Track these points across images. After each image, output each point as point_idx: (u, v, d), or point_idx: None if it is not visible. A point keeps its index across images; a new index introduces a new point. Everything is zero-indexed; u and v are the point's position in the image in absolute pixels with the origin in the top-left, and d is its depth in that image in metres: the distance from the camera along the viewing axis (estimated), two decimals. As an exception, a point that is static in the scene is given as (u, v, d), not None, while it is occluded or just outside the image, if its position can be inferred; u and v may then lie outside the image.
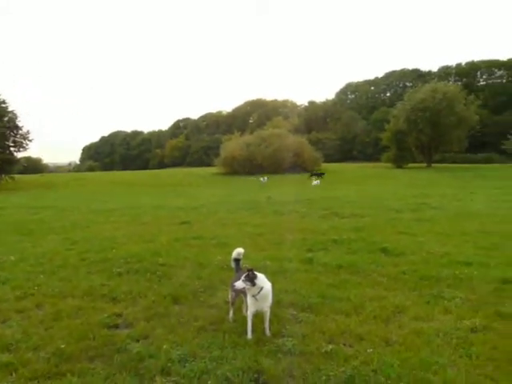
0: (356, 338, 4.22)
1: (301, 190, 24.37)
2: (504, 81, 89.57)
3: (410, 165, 54.51)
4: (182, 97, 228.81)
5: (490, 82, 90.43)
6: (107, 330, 4.54)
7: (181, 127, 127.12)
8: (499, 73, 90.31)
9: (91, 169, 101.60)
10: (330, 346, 3.99)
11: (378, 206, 15.12)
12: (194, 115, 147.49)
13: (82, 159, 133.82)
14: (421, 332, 4.31)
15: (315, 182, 31.20)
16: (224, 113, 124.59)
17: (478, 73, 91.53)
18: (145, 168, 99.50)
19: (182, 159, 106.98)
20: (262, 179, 32.38)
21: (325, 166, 49.69)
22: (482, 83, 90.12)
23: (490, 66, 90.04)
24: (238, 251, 4.87)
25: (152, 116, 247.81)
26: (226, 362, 3.74)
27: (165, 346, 4.03)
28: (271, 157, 41.43)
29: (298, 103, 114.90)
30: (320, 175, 36.74)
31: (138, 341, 4.25)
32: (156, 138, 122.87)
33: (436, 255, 7.45)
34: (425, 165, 55.33)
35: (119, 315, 4.95)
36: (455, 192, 21.50)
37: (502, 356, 3.77)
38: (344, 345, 4.09)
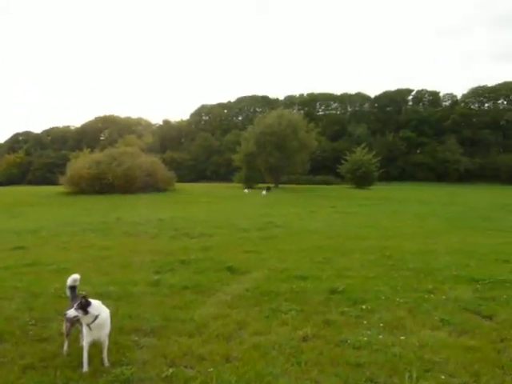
0: (198, 359, 4.24)
1: (153, 210, 23.84)
2: (338, 112, 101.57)
3: (260, 185, 57.72)
4: (21, 108, 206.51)
5: (327, 112, 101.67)
6: None
7: (20, 141, 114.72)
8: (334, 105, 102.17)
9: None
10: (171, 370, 3.93)
11: (228, 226, 15.61)
12: (37, 129, 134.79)
13: None
14: (259, 346, 4.53)
15: (264, 192, 41.24)
16: (72, 128, 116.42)
17: (317, 103, 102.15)
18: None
19: (22, 177, 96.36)
20: (246, 190, 40.11)
21: (178, 185, 49.58)
22: (320, 113, 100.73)
23: (327, 98, 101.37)
24: (74, 277, 4.53)
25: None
26: (55, 402, 3.42)
27: (-21, 393, 3.52)
28: (123, 176, 39.73)
29: (153, 122, 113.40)
30: (269, 189, 46.42)
31: None
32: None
33: (276, 271, 7.96)
34: (273, 185, 59.17)
35: None
36: (298, 211, 23.36)
37: (326, 360, 4.17)
38: (185, 367, 4.07)
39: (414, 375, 3.81)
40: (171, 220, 17.72)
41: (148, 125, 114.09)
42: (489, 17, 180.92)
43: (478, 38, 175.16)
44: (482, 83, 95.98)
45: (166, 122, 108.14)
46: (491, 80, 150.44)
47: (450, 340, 4.70)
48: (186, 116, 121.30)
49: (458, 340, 4.71)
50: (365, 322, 5.22)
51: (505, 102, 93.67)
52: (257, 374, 3.87)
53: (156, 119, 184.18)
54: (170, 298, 6.23)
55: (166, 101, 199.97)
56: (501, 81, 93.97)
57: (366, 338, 4.67)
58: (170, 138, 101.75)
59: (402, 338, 4.73)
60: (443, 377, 3.82)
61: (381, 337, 4.75)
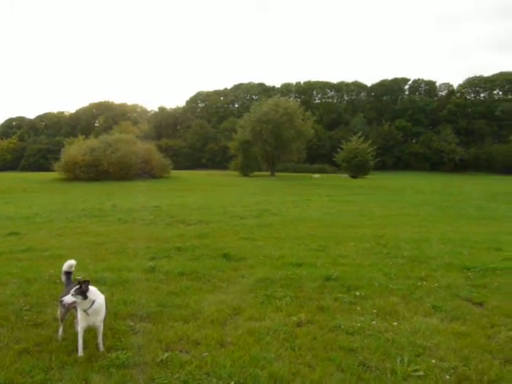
0: (193, 344, 4.29)
1: (149, 197, 23.84)
2: (335, 101, 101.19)
3: (256, 173, 57.79)
4: (16, 93, 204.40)
5: (324, 100, 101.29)
6: None
7: (14, 127, 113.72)
8: (331, 93, 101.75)
9: None
10: (166, 354, 3.98)
11: (224, 213, 15.66)
12: (31, 114, 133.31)
13: None
14: (254, 331, 4.58)
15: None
16: (67, 114, 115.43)
17: (314, 92, 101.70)
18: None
19: (15, 163, 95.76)
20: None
21: (174, 173, 49.54)
22: (317, 101, 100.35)
23: (324, 86, 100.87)
24: (70, 263, 4.55)
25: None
26: (50, 385, 3.46)
27: (-24, 377, 3.55)
28: (118, 163, 39.61)
29: (148, 109, 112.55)
30: None
31: None
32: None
33: (272, 258, 8.02)
34: (269, 173, 59.21)
35: None
36: (294, 199, 23.43)
37: (320, 345, 4.24)
38: (180, 351, 4.12)
39: (406, 359, 3.88)
40: (167, 207, 17.75)
41: (143, 111, 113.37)
42: (487, 7, 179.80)
43: (475, 28, 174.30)
44: (478, 73, 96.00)
45: (162, 109, 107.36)
46: (487, 70, 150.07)
47: (441, 326, 4.78)
48: (181, 103, 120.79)
49: (449, 326, 4.78)
50: (358, 308, 5.29)
51: (500, 93, 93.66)
52: (251, 358, 3.93)
53: (152, 106, 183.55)
54: (165, 284, 6.27)
55: (162, 87, 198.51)
56: (497, 71, 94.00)
57: (359, 324, 4.74)
58: (165, 124, 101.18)
59: (395, 323, 4.81)
60: (433, 361, 3.89)
61: (374, 322, 4.82)
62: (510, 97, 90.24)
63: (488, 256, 8.55)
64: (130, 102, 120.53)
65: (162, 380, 3.55)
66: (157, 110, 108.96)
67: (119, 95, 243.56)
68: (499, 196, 29.75)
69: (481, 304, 5.58)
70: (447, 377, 3.64)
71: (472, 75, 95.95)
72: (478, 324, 4.85)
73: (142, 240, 9.89)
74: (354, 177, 55.59)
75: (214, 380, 3.55)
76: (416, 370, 3.72)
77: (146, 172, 41.56)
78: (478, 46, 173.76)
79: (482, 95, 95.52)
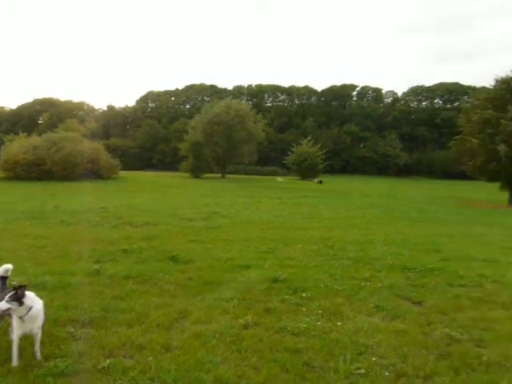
0: (137, 348, 4.19)
1: (95, 198, 23.06)
2: (286, 104, 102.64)
3: (207, 175, 57.38)
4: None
5: (275, 104, 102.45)
6: None
7: None
8: (282, 97, 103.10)
9: None
10: (109, 361, 3.86)
11: (173, 215, 15.44)
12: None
13: None
14: (200, 334, 4.54)
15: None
16: (7, 109, 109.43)
17: (266, 95, 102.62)
18: None
19: None
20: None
21: (123, 173, 48.23)
22: (268, 104, 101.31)
23: (275, 90, 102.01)
24: (5, 267, 4.31)
25: None
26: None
27: None
28: (62, 162, 37.93)
29: (96, 107, 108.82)
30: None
31: None
32: None
33: (221, 260, 8.01)
34: (220, 175, 59.02)
35: None
36: (244, 201, 23.50)
37: (266, 346, 4.28)
38: (124, 357, 4.01)
39: (348, 358, 4.00)
40: (114, 209, 17.26)
41: (91, 110, 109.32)
42: (430, 21, 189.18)
43: (419, 40, 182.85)
44: (420, 83, 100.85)
45: (111, 108, 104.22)
46: (429, 80, 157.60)
47: (382, 325, 4.96)
48: (131, 102, 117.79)
49: (389, 324, 4.97)
50: (304, 310, 5.38)
51: (440, 102, 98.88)
52: (196, 362, 3.89)
53: (100, 104, 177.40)
54: (110, 288, 6.09)
55: (111, 85, 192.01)
56: (437, 81, 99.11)
57: (304, 325, 4.83)
58: (114, 124, 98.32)
59: (339, 323, 4.93)
60: (374, 359, 4.03)
61: (319, 323, 4.93)
62: (448, 106, 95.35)
63: (427, 257, 8.99)
64: (76, 99, 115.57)
65: (104, 387, 3.44)
66: (105, 108, 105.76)
67: (65, 92, 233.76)
68: (439, 200, 31.34)
69: (419, 303, 5.84)
70: (386, 373, 3.78)
71: (415, 84, 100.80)
72: (416, 322, 5.07)
73: (87, 242, 9.55)
74: (320, 182, 55.64)
75: (158, 385, 3.48)
76: (358, 368, 3.84)
77: (93, 172, 40.16)
78: (421, 57, 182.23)
79: (423, 103, 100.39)
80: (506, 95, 29.59)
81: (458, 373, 3.84)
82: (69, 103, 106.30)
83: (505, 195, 30.88)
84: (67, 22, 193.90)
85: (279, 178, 52.19)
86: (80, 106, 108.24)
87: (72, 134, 47.04)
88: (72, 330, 4.56)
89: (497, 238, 12.57)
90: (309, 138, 64.20)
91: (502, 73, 30.95)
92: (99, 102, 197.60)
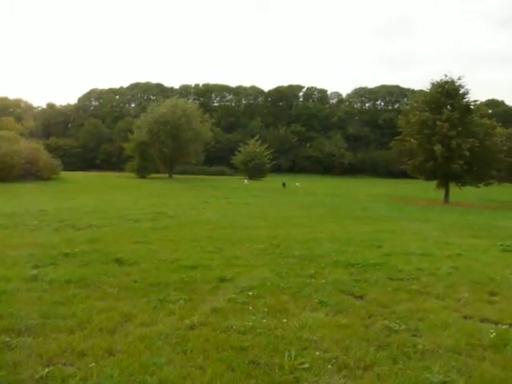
0: (78, 355, 4.04)
1: (34, 200, 21.99)
2: (233, 104, 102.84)
3: (153, 175, 56.39)
4: None
5: (222, 103, 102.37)
6: None
7: None
8: (229, 97, 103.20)
9: None
10: (47, 369, 3.68)
11: (118, 216, 15.05)
12: None
13: None
14: (145, 337, 4.46)
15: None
16: None
17: (213, 94, 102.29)
18: None
19: None
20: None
21: (65, 174, 46.37)
22: (215, 104, 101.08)
23: (222, 89, 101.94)
24: None
25: None
26: None
27: None
28: (-2, 162, 36.01)
29: (35, 104, 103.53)
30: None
31: None
32: None
33: (167, 261, 7.90)
34: (167, 175, 58.18)
35: None
36: (191, 201, 23.32)
37: (212, 346, 4.27)
38: (64, 364, 3.86)
39: (293, 354, 4.07)
40: (55, 211, 16.54)
41: (29, 107, 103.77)
42: (372, 25, 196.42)
43: (364, 43, 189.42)
44: (363, 85, 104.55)
45: (51, 106, 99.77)
46: (371, 82, 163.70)
47: (326, 320, 5.10)
48: (73, 100, 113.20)
49: (333, 319, 5.12)
50: (250, 308, 5.42)
51: (382, 103, 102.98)
52: (141, 365, 3.82)
53: (39, 102, 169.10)
54: (49, 294, 5.82)
55: (51, 82, 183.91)
56: (379, 84, 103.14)
57: (250, 323, 4.86)
58: (54, 122, 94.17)
59: (284, 320, 5.01)
60: (318, 353, 4.14)
61: (265, 321, 4.98)
62: (389, 108, 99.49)
63: (370, 253, 9.34)
64: (12, 96, 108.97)
65: (41, 397, 3.30)
66: (45, 106, 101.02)
67: None
68: (381, 198, 32.65)
69: (361, 297, 6.07)
70: (329, 366, 3.90)
71: (358, 86, 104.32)
72: (358, 315, 5.26)
73: (24, 247, 9.08)
74: (284, 185, 51.96)
75: (99, 392, 3.39)
76: (302, 363, 3.93)
77: (32, 173, 38.30)
78: (365, 60, 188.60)
79: (367, 105, 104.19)
80: (441, 98, 31.33)
81: (396, 361, 4.03)
82: (4, 100, 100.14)
83: (441, 193, 32.68)
84: (1, 11, 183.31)
85: (246, 181, 50.89)
86: (17, 103, 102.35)
87: (8, 132, 44.66)
88: (7, 339, 4.31)
89: (433, 233, 13.27)
90: (256, 137, 64.80)
91: (438, 77, 32.82)
92: (38, 99, 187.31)
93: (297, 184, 36.50)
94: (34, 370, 3.71)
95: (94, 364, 3.82)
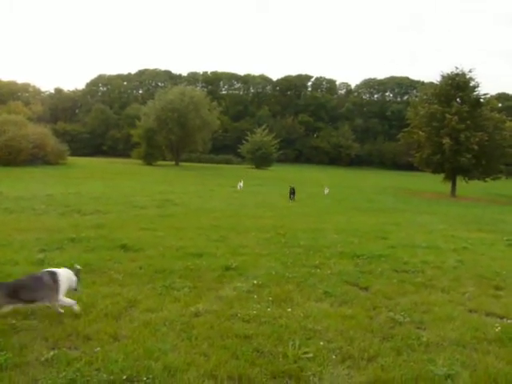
0: (83, 339, 4.07)
1: (41, 184, 22.10)
2: (241, 92, 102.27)
3: (160, 162, 56.40)
4: None
5: (231, 92, 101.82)
6: None
7: None
8: (238, 85, 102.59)
9: None
10: (52, 353, 3.72)
11: (124, 203, 15.11)
12: None
13: None
14: (150, 323, 4.48)
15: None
16: None
17: (221, 82, 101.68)
18: None
19: None
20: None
21: (72, 159, 46.51)
22: (223, 92, 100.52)
23: (231, 77, 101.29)
24: None
25: None
26: None
27: None
28: (5, 147, 35.89)
29: (43, 89, 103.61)
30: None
31: None
32: None
33: (172, 249, 7.92)
34: (173, 163, 58.18)
35: None
36: (197, 189, 23.35)
37: (216, 334, 4.28)
38: (69, 348, 3.89)
39: (297, 343, 4.07)
40: (62, 196, 16.64)
41: (37, 92, 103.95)
42: (384, 17, 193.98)
43: (375, 35, 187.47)
44: (372, 76, 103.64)
45: (59, 91, 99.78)
46: (381, 73, 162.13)
47: (331, 310, 5.10)
48: (81, 85, 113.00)
49: (337, 310, 5.12)
50: (255, 297, 5.43)
51: (391, 95, 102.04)
52: (145, 350, 3.83)
53: (47, 86, 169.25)
54: (55, 278, 5.86)
55: (59, 67, 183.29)
56: (388, 75, 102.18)
57: (255, 312, 4.87)
58: (62, 107, 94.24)
59: (289, 310, 5.01)
60: (322, 343, 4.14)
61: (269, 310, 4.99)
62: (398, 99, 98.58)
63: (375, 244, 9.31)
64: (20, 80, 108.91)
65: (46, 380, 3.31)
66: (53, 91, 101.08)
67: (7, 72, 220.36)
68: (387, 189, 32.49)
69: (366, 288, 6.05)
70: (333, 357, 3.89)
71: (367, 77, 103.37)
72: (363, 307, 5.25)
73: (31, 231, 9.16)
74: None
75: (105, 375, 3.40)
76: (306, 353, 3.92)
77: (39, 158, 38.47)
78: (374, 51, 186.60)
79: (375, 96, 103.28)
80: (450, 91, 30.96)
81: (400, 353, 4.02)
82: (12, 84, 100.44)
83: (448, 186, 32.47)
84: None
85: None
86: (24, 87, 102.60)
87: (15, 116, 44.71)
88: (13, 321, 4.36)
89: (439, 226, 13.20)
90: (263, 126, 64.47)
91: (448, 69, 32.42)
92: (46, 84, 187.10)
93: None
94: (40, 352, 3.75)
95: (99, 348, 3.85)
